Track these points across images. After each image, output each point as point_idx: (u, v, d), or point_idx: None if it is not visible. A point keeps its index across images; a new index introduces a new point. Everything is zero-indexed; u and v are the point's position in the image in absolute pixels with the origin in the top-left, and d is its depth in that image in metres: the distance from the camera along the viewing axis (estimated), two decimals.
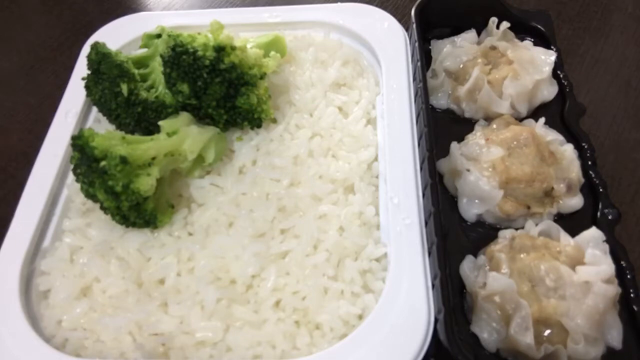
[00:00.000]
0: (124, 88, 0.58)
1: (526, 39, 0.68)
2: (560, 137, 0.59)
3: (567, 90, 0.63)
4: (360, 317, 0.51)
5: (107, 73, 0.59)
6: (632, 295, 0.48)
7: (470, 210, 0.55)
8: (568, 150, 0.57)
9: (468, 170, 0.55)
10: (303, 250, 0.54)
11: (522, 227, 0.54)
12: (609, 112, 0.72)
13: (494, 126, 0.60)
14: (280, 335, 0.50)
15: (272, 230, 0.56)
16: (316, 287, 0.52)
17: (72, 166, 0.55)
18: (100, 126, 0.66)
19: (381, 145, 0.60)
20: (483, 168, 0.55)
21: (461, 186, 0.56)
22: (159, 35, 0.62)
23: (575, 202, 0.55)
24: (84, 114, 0.68)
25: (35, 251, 0.57)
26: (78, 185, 0.55)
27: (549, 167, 0.55)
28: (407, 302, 0.49)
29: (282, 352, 0.50)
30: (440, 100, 0.66)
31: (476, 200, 0.55)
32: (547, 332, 0.46)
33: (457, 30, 0.69)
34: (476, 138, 0.59)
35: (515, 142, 0.56)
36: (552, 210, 0.55)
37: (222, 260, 0.54)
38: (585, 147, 0.57)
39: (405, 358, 0.46)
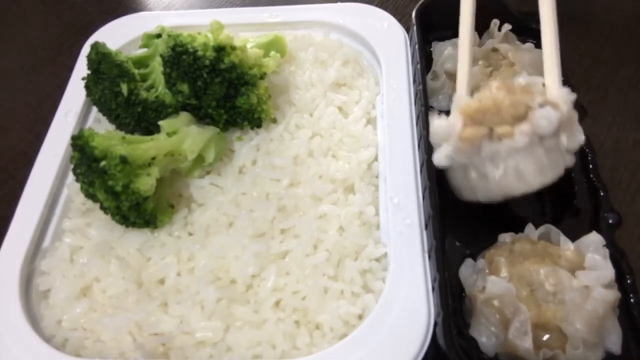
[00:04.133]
0: (124, 88, 0.58)
1: (528, 42, 0.67)
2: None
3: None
4: (360, 317, 0.51)
5: (107, 73, 0.59)
6: (632, 300, 0.48)
7: (439, 157, 0.52)
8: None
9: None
10: (303, 250, 0.54)
11: (522, 231, 0.53)
12: (609, 112, 0.72)
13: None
14: (280, 335, 0.50)
15: (272, 230, 0.56)
16: (316, 287, 0.52)
17: (72, 166, 0.55)
18: (100, 126, 0.66)
19: (381, 145, 0.60)
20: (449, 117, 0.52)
21: (431, 139, 0.54)
22: (159, 35, 0.62)
23: (551, 113, 0.48)
24: (84, 114, 0.68)
25: (35, 251, 0.57)
26: (78, 185, 0.55)
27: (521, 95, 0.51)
28: (407, 302, 0.49)
29: (282, 352, 0.50)
30: (441, 102, 0.66)
31: (442, 144, 0.52)
32: (546, 336, 0.46)
33: (458, 33, 0.69)
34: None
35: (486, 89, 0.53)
36: (524, 127, 0.48)
37: (222, 260, 0.54)
38: (586, 150, 0.57)
39: (405, 359, 0.46)
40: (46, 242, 0.58)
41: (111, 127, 0.64)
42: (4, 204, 0.61)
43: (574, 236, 0.51)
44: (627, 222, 0.61)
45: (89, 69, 0.61)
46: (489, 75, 0.64)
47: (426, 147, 0.56)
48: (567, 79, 0.63)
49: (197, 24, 0.70)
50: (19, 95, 0.82)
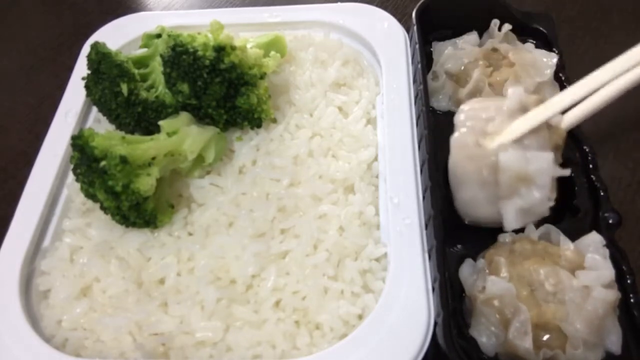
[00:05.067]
0: (124, 88, 0.58)
1: (528, 41, 0.67)
2: None
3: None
4: (360, 317, 0.51)
5: (107, 73, 0.59)
6: (631, 300, 0.48)
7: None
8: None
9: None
10: (303, 250, 0.54)
11: (522, 231, 0.53)
12: (609, 112, 0.72)
13: None
14: (280, 335, 0.50)
15: (272, 230, 0.56)
16: (316, 287, 0.52)
17: (72, 166, 0.55)
18: (100, 126, 0.66)
19: (381, 145, 0.60)
20: None
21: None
22: (159, 35, 0.62)
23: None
24: (84, 114, 0.68)
25: (35, 251, 0.57)
26: (78, 185, 0.55)
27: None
28: (407, 302, 0.49)
29: (282, 352, 0.50)
30: (441, 103, 0.66)
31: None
32: (546, 336, 0.46)
33: (458, 32, 0.69)
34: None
35: None
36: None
37: (222, 260, 0.54)
38: (587, 150, 0.57)
39: (405, 358, 0.46)
40: (46, 242, 0.58)
41: (111, 127, 0.64)
42: (4, 204, 0.61)
43: (574, 236, 0.51)
44: (627, 222, 0.61)
45: (89, 69, 0.61)
46: (489, 76, 0.64)
47: (427, 147, 0.56)
48: (568, 79, 0.63)
49: (197, 24, 0.70)
50: (19, 95, 0.82)
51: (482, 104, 0.55)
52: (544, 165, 0.50)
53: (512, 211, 0.50)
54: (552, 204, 0.50)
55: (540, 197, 0.50)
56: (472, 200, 0.53)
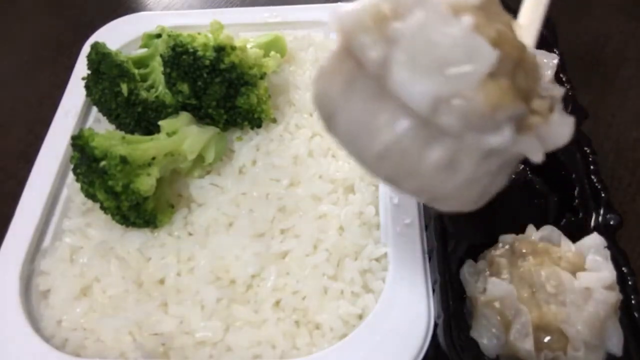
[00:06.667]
0: (124, 88, 0.58)
1: None
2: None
3: (570, 94, 0.62)
4: (360, 317, 0.51)
5: (107, 73, 0.59)
6: (633, 302, 0.48)
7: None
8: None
9: None
10: (303, 250, 0.54)
11: (523, 232, 0.53)
12: (608, 112, 0.72)
13: None
14: (280, 335, 0.50)
15: (272, 230, 0.56)
16: (316, 287, 0.52)
17: (72, 166, 0.55)
18: (100, 126, 0.66)
19: None
20: None
21: None
22: (159, 35, 0.62)
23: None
24: (84, 114, 0.68)
25: (35, 251, 0.57)
26: (78, 185, 0.55)
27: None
28: (407, 302, 0.49)
29: (282, 352, 0.50)
30: None
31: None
32: (547, 338, 0.46)
33: None
34: None
35: None
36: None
37: (222, 260, 0.54)
38: (588, 151, 0.57)
39: (405, 359, 0.46)
40: (46, 242, 0.58)
41: (111, 127, 0.64)
42: (4, 204, 0.61)
43: (575, 237, 0.51)
44: (628, 223, 0.61)
45: (89, 69, 0.61)
46: None
47: None
48: (569, 80, 0.63)
49: (197, 24, 0.70)
50: (19, 95, 0.82)
51: None
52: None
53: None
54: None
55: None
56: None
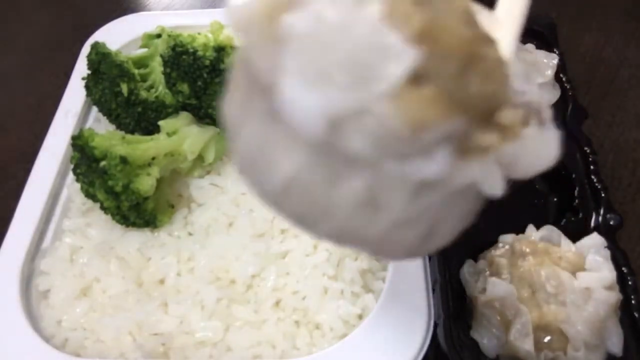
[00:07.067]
0: (124, 88, 0.58)
1: (528, 42, 0.67)
2: None
3: (570, 94, 0.62)
4: (360, 317, 0.51)
5: (107, 73, 0.59)
6: (633, 302, 0.48)
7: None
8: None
9: None
10: (303, 250, 0.54)
11: (522, 232, 0.53)
12: (608, 112, 0.72)
13: None
14: (280, 335, 0.50)
15: (272, 230, 0.56)
16: (316, 287, 0.52)
17: (72, 166, 0.55)
18: (100, 126, 0.66)
19: None
20: None
21: None
22: (159, 35, 0.62)
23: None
24: (84, 114, 0.67)
25: (35, 251, 0.57)
26: (78, 185, 0.55)
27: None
28: (407, 302, 0.49)
29: (282, 352, 0.50)
30: None
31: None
32: (547, 338, 0.46)
33: None
34: None
35: None
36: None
37: (222, 260, 0.54)
38: (588, 151, 0.57)
39: (405, 359, 0.46)
40: (46, 242, 0.58)
41: (111, 127, 0.64)
42: (4, 204, 0.61)
43: (575, 237, 0.51)
44: (628, 223, 0.61)
45: (89, 69, 0.61)
46: None
47: None
48: (569, 80, 0.63)
49: (197, 24, 0.70)
50: (19, 95, 0.82)
51: None
52: None
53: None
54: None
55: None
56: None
